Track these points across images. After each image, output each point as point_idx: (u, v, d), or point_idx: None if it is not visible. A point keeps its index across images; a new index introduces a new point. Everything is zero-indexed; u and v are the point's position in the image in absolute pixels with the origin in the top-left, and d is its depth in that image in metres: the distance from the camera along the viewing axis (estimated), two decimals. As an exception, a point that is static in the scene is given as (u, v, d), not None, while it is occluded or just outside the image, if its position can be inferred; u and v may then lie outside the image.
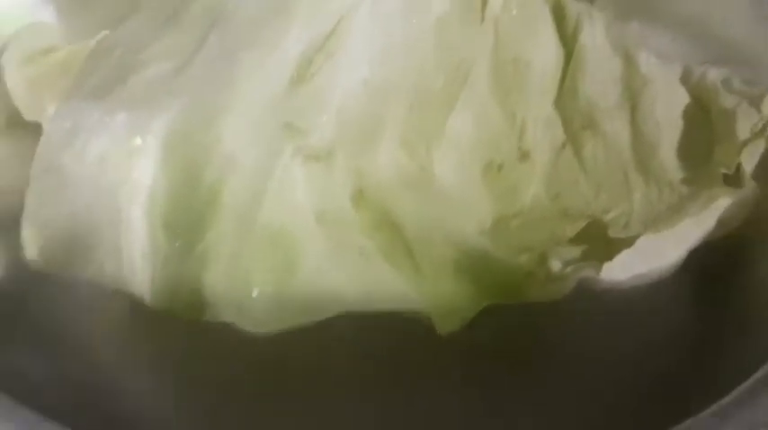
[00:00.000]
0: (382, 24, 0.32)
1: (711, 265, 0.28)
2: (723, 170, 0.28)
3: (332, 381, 0.27)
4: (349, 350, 0.27)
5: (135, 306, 0.27)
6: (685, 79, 0.32)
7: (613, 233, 0.28)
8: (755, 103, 0.29)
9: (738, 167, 0.28)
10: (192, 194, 0.27)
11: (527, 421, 0.26)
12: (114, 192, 0.27)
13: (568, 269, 0.28)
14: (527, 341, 0.28)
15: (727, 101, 0.29)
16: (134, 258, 0.27)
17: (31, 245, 0.29)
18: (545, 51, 0.34)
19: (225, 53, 0.30)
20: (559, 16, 0.35)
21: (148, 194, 0.27)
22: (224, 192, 0.27)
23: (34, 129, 0.33)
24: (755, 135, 0.28)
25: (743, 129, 0.28)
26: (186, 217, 0.27)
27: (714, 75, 0.31)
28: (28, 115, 0.33)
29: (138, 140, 0.27)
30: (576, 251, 0.29)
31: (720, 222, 0.28)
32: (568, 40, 0.34)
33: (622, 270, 0.27)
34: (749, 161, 0.28)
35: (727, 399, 0.22)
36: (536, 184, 0.31)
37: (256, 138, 0.28)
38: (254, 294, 0.26)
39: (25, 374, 0.27)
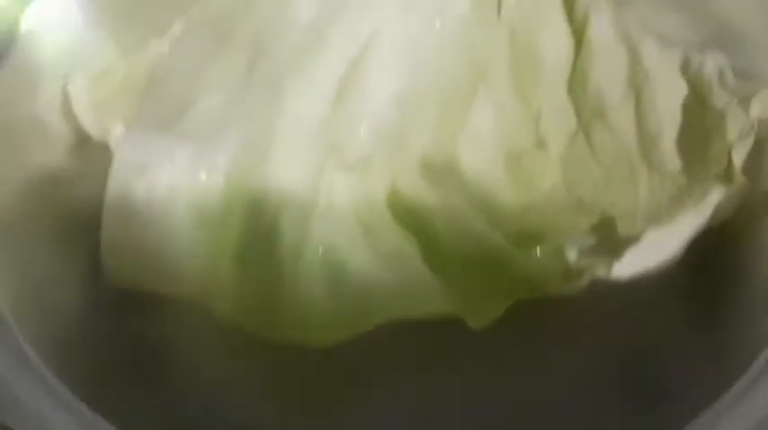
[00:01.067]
0: (409, 38, 0.34)
1: (705, 254, 0.31)
2: (715, 166, 0.31)
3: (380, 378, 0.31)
4: (395, 351, 0.31)
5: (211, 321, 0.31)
6: (685, 69, 0.34)
7: (622, 229, 0.31)
8: (744, 103, 0.31)
9: (729, 163, 0.31)
10: (255, 223, 0.30)
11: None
12: (185, 221, 0.31)
13: (583, 263, 0.31)
14: (534, 332, 0.31)
15: (719, 99, 0.32)
16: (208, 279, 0.31)
17: (110, 265, 0.33)
18: (556, 42, 0.36)
19: (271, 81, 0.33)
20: (569, 6, 0.37)
21: (217, 224, 0.31)
22: (282, 218, 0.30)
23: (102, 147, 0.37)
24: (743, 136, 0.31)
25: (732, 130, 0.31)
26: (252, 244, 0.30)
27: (711, 66, 0.34)
28: (95, 135, 0.36)
29: (204, 175, 0.31)
30: (589, 240, 0.32)
31: (714, 214, 0.31)
32: (578, 31, 0.36)
33: (627, 266, 0.30)
34: (738, 157, 0.31)
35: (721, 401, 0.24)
36: (553, 172, 0.33)
37: (305, 161, 0.31)
38: (314, 308, 0.30)
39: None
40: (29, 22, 0.35)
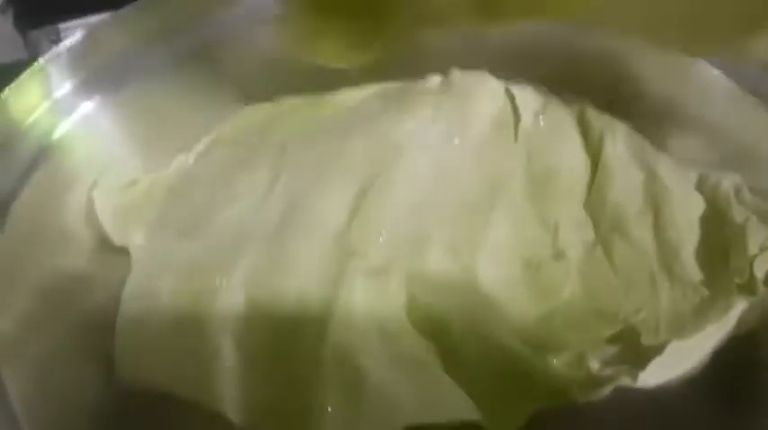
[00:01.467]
0: (430, 152, 0.36)
1: (730, 363, 0.31)
2: (737, 278, 0.31)
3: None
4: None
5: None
6: (701, 187, 0.35)
7: (645, 340, 0.31)
8: (764, 217, 0.32)
9: (751, 275, 0.31)
10: (273, 329, 0.30)
11: None
12: (202, 322, 0.31)
13: (606, 371, 0.30)
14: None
15: (739, 214, 0.32)
16: (223, 381, 0.30)
17: (124, 365, 0.32)
18: (572, 159, 0.37)
19: (294, 191, 0.34)
20: (584, 127, 0.38)
21: (233, 328, 0.30)
22: (299, 324, 0.30)
23: (122, 252, 0.37)
24: (764, 249, 0.31)
25: (753, 244, 0.31)
26: (269, 349, 0.30)
27: (727, 185, 0.34)
28: (116, 241, 0.37)
29: (225, 281, 0.31)
30: (611, 350, 0.31)
31: (738, 325, 0.31)
32: (594, 149, 0.38)
33: (651, 375, 0.30)
34: (760, 269, 0.31)
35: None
36: (572, 282, 0.34)
37: (323, 269, 0.31)
38: (329, 411, 0.29)
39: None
40: (62, 131, 0.37)
